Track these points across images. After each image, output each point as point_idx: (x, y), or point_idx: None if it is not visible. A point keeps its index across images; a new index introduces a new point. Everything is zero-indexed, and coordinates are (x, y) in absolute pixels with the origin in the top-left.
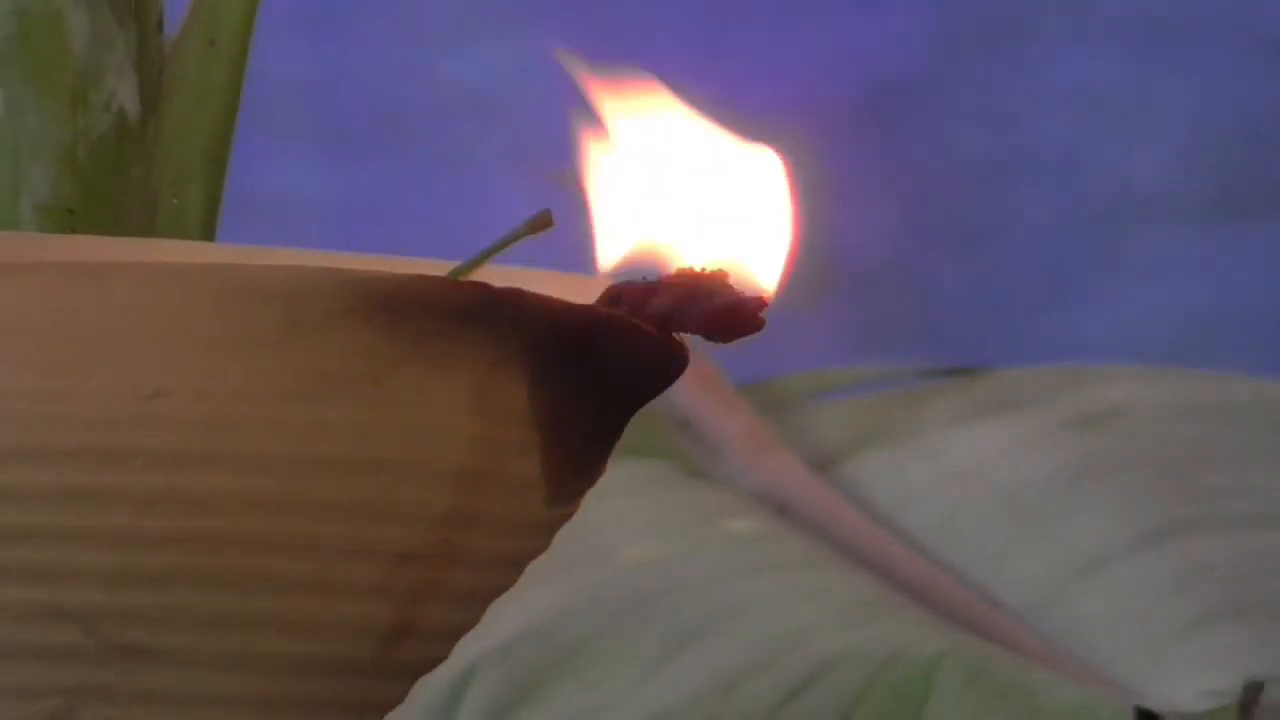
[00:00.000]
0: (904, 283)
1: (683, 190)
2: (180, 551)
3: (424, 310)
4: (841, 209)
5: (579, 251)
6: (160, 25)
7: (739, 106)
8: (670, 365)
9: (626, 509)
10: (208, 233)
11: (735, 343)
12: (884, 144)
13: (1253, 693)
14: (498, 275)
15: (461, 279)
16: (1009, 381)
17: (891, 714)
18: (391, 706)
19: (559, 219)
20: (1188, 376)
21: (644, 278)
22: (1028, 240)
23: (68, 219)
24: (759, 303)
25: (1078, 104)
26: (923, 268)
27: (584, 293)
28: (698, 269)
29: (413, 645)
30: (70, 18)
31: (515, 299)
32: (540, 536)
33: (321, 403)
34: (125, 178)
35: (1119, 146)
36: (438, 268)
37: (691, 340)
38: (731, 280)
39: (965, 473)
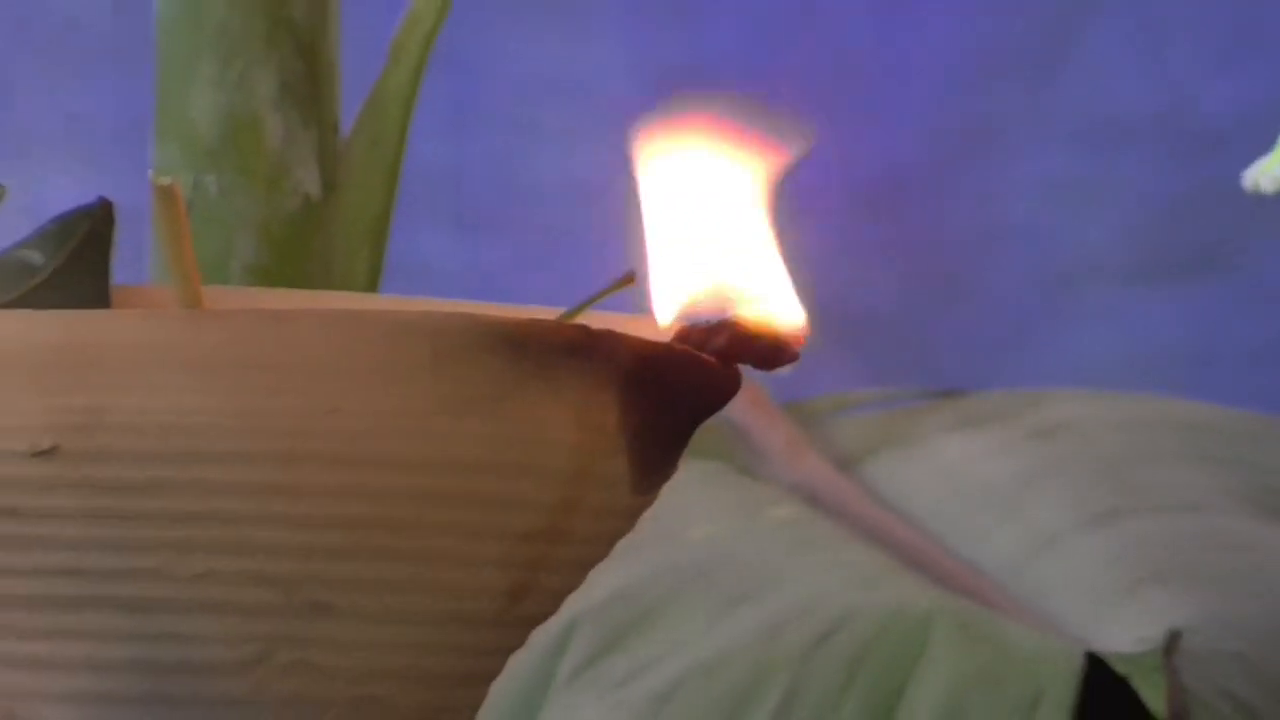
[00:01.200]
0: (905, 329)
1: (729, 256)
2: (352, 532)
3: (538, 346)
4: (857, 272)
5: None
6: (336, 128)
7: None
8: (727, 389)
9: (692, 499)
10: (372, 288)
11: (775, 372)
12: (890, 221)
13: (1174, 640)
14: (595, 319)
15: (568, 321)
16: (985, 402)
17: (896, 656)
18: (513, 650)
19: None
20: (1117, 398)
21: (706, 321)
22: (1002, 296)
23: (266, 277)
24: (795, 343)
25: (1042, 188)
26: (920, 317)
27: (661, 332)
28: (747, 316)
29: (529, 603)
30: (268, 122)
31: (609, 338)
32: (627, 520)
33: (459, 417)
34: (309, 246)
35: (1075, 222)
36: (548, 313)
37: (743, 370)
38: (772, 325)
39: (952, 471)
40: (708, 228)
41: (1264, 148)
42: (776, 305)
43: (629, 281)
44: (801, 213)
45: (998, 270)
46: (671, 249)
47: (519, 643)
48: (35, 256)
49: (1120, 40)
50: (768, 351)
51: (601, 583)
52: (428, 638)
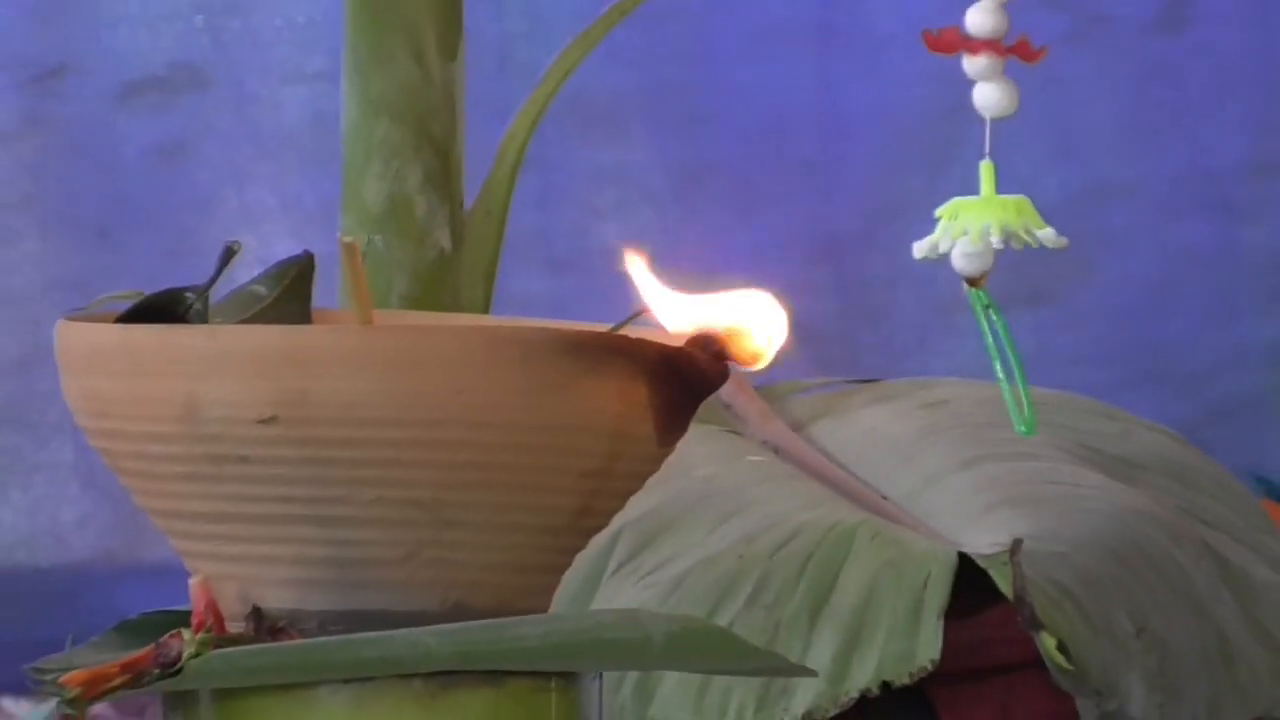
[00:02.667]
0: (840, 339)
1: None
2: (471, 471)
3: (593, 348)
4: (806, 301)
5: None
6: (461, 204)
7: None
8: (719, 377)
9: (696, 450)
10: (485, 311)
11: (753, 369)
12: (829, 266)
13: (1017, 545)
14: (632, 331)
15: (614, 333)
16: (891, 386)
17: (832, 555)
18: (578, 550)
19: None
20: (979, 383)
21: (706, 332)
22: (905, 318)
23: (415, 304)
24: (766, 351)
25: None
26: (849, 332)
27: (677, 340)
28: (735, 330)
29: (589, 519)
30: (416, 201)
31: (640, 343)
32: (653, 464)
33: (541, 395)
34: (443, 283)
35: (952, 268)
36: (602, 328)
37: (730, 364)
38: (751, 337)
39: (869, 432)
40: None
41: (1070, 223)
42: (757, 325)
43: (644, 311)
44: (768, 260)
45: (903, 301)
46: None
47: (582, 546)
48: (261, 289)
49: (977, 135)
50: (746, 356)
51: (637, 505)
52: (522, 541)
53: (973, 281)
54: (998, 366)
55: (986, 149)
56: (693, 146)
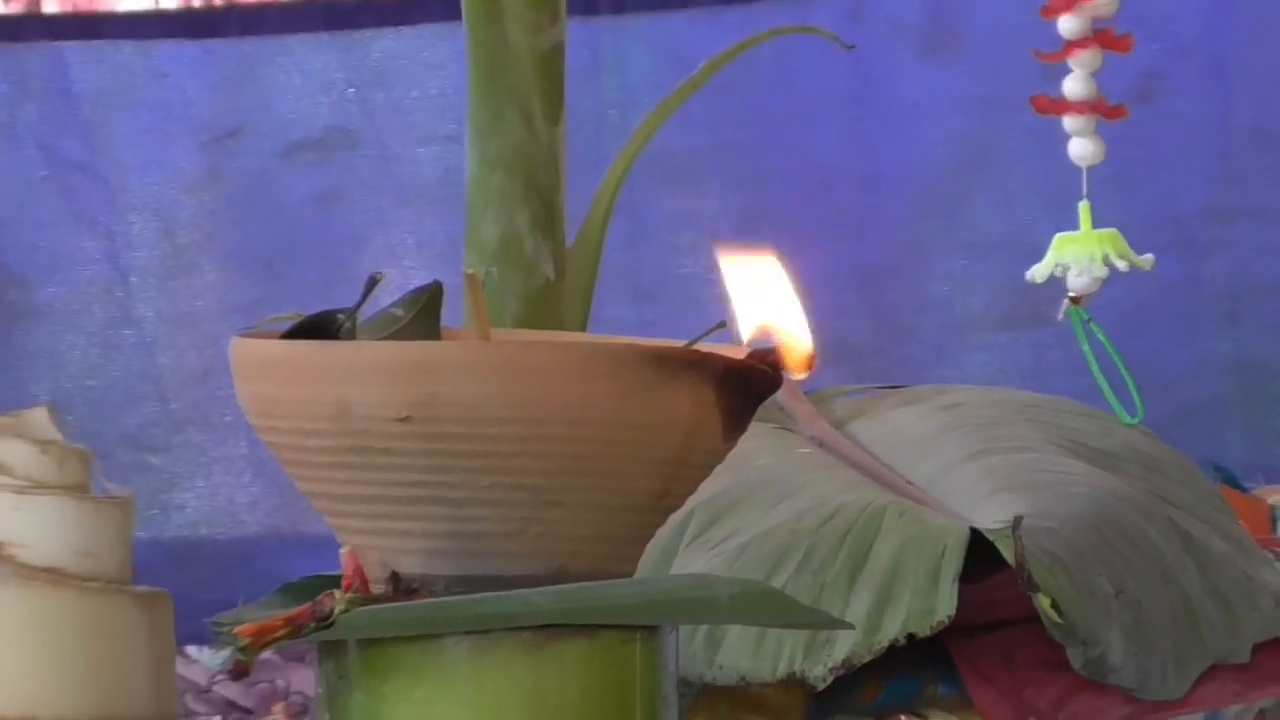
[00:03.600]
0: (873, 354)
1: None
2: (570, 460)
3: (671, 361)
4: (845, 324)
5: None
6: (563, 241)
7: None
8: (774, 384)
9: (756, 443)
10: (582, 330)
11: (801, 377)
12: (865, 294)
13: (1018, 521)
14: (705, 347)
15: (687, 347)
16: (914, 391)
17: (866, 529)
18: (658, 526)
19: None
20: (987, 389)
21: (765, 347)
22: (928, 337)
23: (524, 324)
24: (810, 362)
25: (949, 279)
26: (881, 347)
27: (740, 353)
28: (787, 343)
29: (667, 500)
30: (525, 239)
31: (710, 356)
32: (719, 455)
33: (626, 399)
34: (548, 308)
35: (966, 297)
36: (677, 344)
37: (785, 374)
38: (800, 351)
39: (897, 429)
40: (765, 299)
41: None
42: (800, 342)
43: (720, 327)
44: (814, 289)
45: (925, 323)
46: (747, 311)
47: (662, 522)
48: (399, 312)
49: (987, 188)
50: (796, 366)
51: (706, 489)
52: (612, 518)
53: (1075, 300)
54: (1095, 368)
55: (1084, 191)
56: (752, 196)
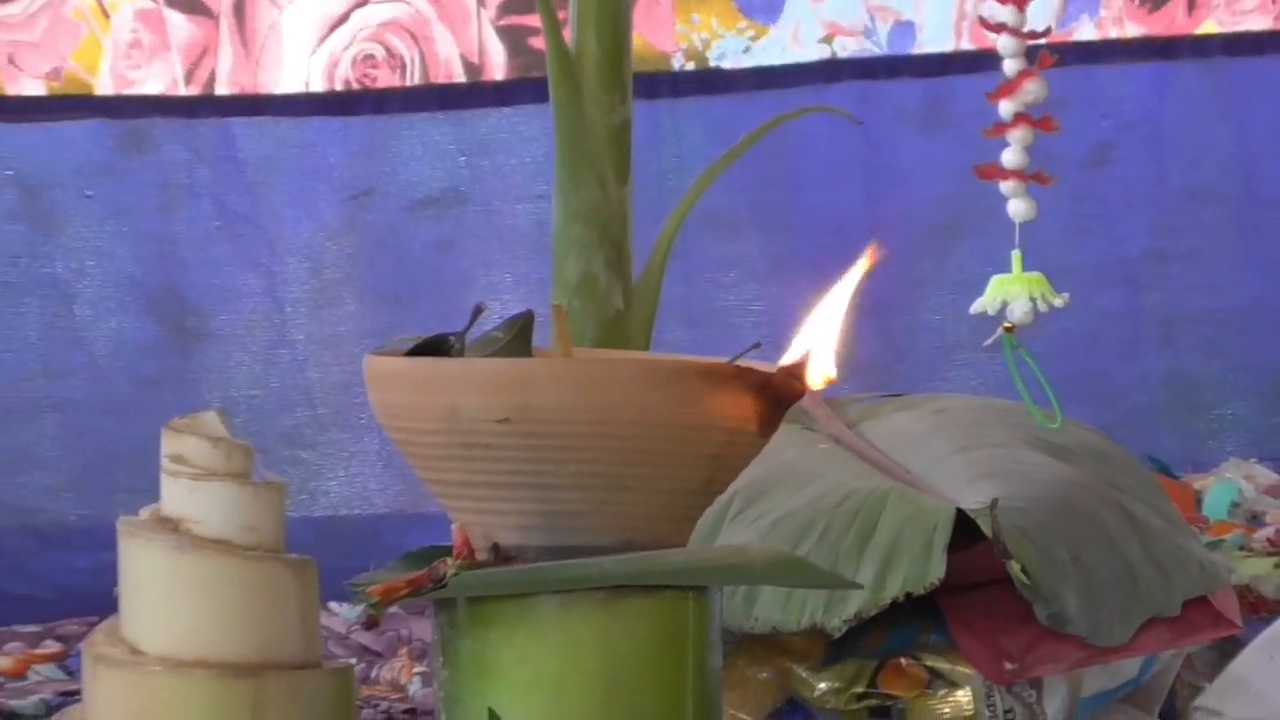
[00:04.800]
0: (879, 371)
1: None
2: (636, 452)
3: (718, 374)
4: (856, 349)
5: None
6: (630, 278)
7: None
8: (800, 392)
9: (784, 440)
10: (646, 350)
11: (821, 388)
12: (874, 320)
13: (995, 502)
14: (743, 363)
15: (730, 364)
16: (910, 399)
17: (872, 509)
18: (706, 507)
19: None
20: (970, 398)
21: (794, 364)
22: (922, 358)
23: (599, 345)
24: (828, 378)
25: (941, 309)
26: (886, 365)
27: (771, 368)
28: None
29: (714, 485)
30: (600, 277)
31: (749, 370)
32: (756, 450)
33: (681, 405)
34: (618, 333)
35: (953, 323)
36: (722, 361)
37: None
38: (821, 368)
39: (897, 428)
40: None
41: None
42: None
43: (756, 347)
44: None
45: (920, 345)
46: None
47: (709, 504)
48: (499, 335)
49: (970, 236)
50: (816, 379)
51: (745, 476)
52: (669, 500)
53: (1009, 329)
54: (1020, 385)
55: (1016, 242)
56: (782, 242)
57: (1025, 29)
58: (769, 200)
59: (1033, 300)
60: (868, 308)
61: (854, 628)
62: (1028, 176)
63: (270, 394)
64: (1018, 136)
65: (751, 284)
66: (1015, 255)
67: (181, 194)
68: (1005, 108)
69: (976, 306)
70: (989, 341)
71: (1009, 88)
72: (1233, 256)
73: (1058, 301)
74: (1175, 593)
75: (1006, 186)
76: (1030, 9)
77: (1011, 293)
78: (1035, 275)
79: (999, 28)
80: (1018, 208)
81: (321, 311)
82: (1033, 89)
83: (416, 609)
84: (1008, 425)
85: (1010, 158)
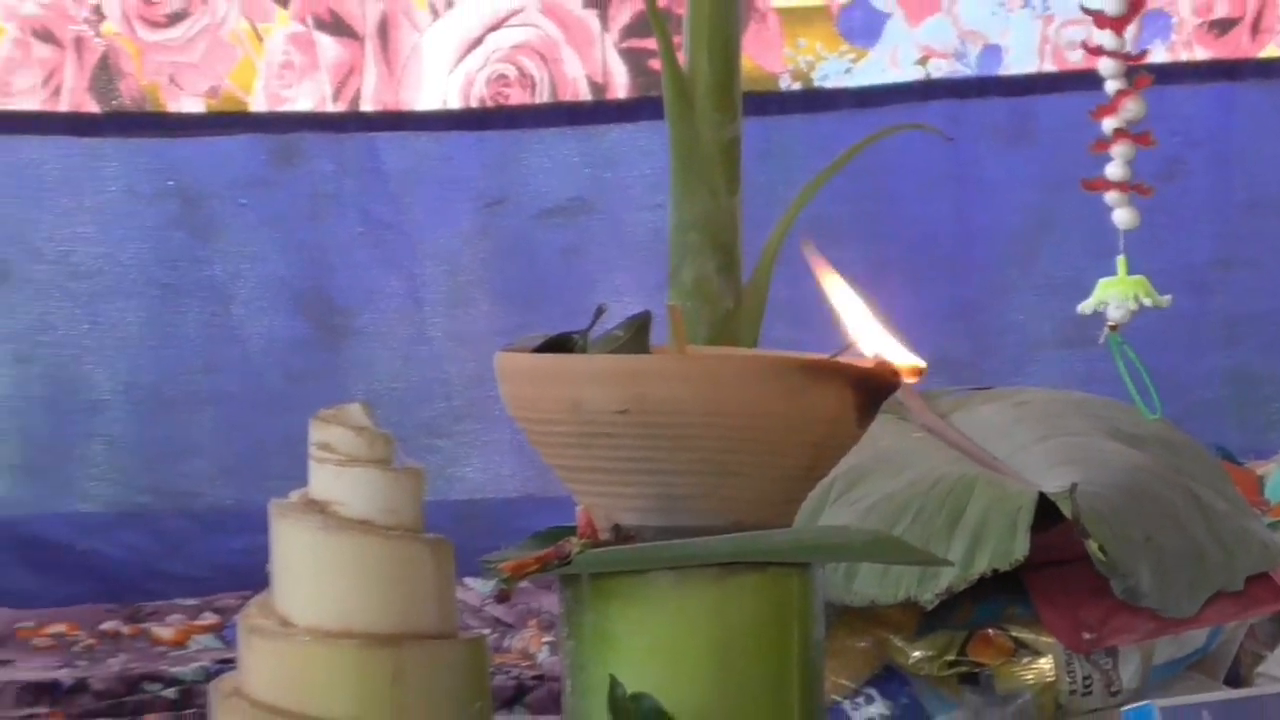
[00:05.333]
0: (968, 367)
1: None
2: (744, 442)
3: (819, 369)
4: (947, 343)
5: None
6: (740, 280)
7: (904, 315)
8: (894, 385)
9: (881, 429)
10: (754, 348)
11: (914, 381)
12: (961, 323)
13: (1074, 487)
14: (844, 359)
15: (831, 359)
16: (997, 392)
17: (961, 493)
18: (809, 491)
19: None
20: (1052, 390)
21: (888, 358)
22: (1009, 355)
23: (711, 343)
24: (920, 372)
25: (1024, 310)
26: (973, 362)
27: (869, 363)
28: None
29: (816, 471)
30: (712, 280)
31: (849, 365)
32: (855, 438)
33: (786, 397)
34: (728, 331)
35: (1036, 323)
36: (824, 356)
37: (902, 379)
38: (913, 364)
39: (984, 419)
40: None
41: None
42: (913, 359)
43: (851, 346)
44: (928, 319)
45: (1006, 342)
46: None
47: (812, 488)
48: (619, 333)
49: (1051, 244)
50: (911, 374)
51: (845, 463)
52: (775, 485)
53: (1113, 327)
54: (1126, 378)
55: (1121, 247)
56: (878, 249)
57: (1127, 52)
58: (867, 210)
59: (1137, 301)
60: (958, 310)
61: (945, 601)
62: (1130, 187)
63: (410, 387)
64: (1120, 151)
65: (851, 287)
66: (1120, 260)
67: (329, 203)
68: (1108, 124)
69: (1083, 307)
70: (1102, 339)
71: (1110, 107)
72: None
73: (1163, 301)
74: (1239, 569)
75: (1111, 197)
76: (1129, 32)
77: (1116, 294)
78: (1139, 278)
79: (1098, 50)
80: (1122, 216)
81: (457, 311)
82: (1132, 107)
83: (544, 584)
84: (1085, 416)
85: (1114, 170)
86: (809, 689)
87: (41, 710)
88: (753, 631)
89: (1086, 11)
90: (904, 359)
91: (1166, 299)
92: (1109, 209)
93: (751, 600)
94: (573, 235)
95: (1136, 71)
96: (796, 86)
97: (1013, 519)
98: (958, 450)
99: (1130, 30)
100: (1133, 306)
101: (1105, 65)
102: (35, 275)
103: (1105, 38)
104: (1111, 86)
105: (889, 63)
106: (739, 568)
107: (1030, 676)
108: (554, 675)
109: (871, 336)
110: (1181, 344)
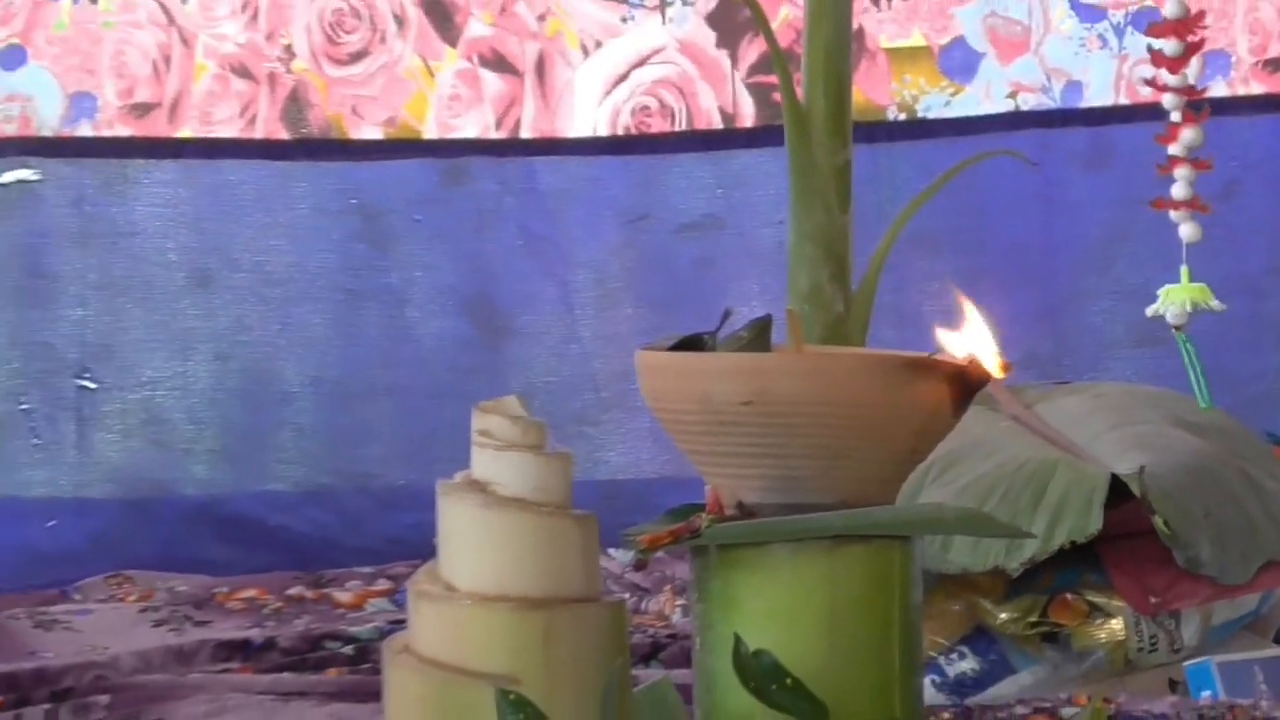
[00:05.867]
0: (1051, 364)
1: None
2: (853, 428)
3: (919, 365)
4: (1033, 347)
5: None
6: (849, 288)
7: (998, 318)
8: (984, 380)
9: (973, 419)
10: (863, 346)
11: (1003, 377)
12: (1046, 327)
13: (1143, 469)
14: (940, 356)
15: (930, 357)
16: (1076, 386)
17: (1043, 474)
18: (910, 472)
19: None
20: (1126, 385)
21: (977, 358)
22: (1087, 355)
23: (825, 343)
24: (1008, 369)
25: (1102, 316)
26: (1057, 359)
27: (964, 361)
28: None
29: (916, 455)
30: (825, 287)
31: (945, 362)
32: (950, 426)
33: (891, 390)
34: (839, 333)
35: (1111, 324)
36: (924, 355)
37: (992, 375)
38: (1001, 362)
39: (1065, 410)
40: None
41: None
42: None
43: (941, 349)
44: (1018, 322)
45: (1084, 343)
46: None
47: (912, 470)
48: (744, 334)
49: (1126, 255)
50: (998, 370)
51: (941, 448)
52: (880, 468)
53: (1178, 329)
54: (1191, 374)
55: (1184, 258)
56: (973, 260)
57: (1187, 87)
58: (964, 225)
59: (1193, 305)
60: (1043, 313)
61: (1028, 569)
62: (1192, 205)
63: (561, 381)
64: (1183, 174)
65: (948, 295)
66: (1184, 270)
67: (492, 219)
68: (1173, 150)
69: (1151, 310)
70: (1182, 336)
71: (1171, 135)
72: None
73: (1216, 305)
74: None
75: (1177, 214)
76: (1189, 69)
77: (1176, 299)
78: (1199, 285)
79: (1163, 87)
80: (1186, 231)
81: (604, 314)
82: (1189, 135)
83: (677, 554)
84: (1152, 407)
85: (1179, 190)
86: (909, 647)
87: (234, 665)
88: (859, 596)
89: (1150, 52)
90: (994, 357)
91: (1218, 304)
92: (1175, 225)
93: (859, 569)
94: (705, 247)
95: (1197, 105)
96: (901, 117)
97: (1088, 497)
98: (1041, 437)
99: (1191, 67)
100: (1189, 309)
101: (1167, 99)
102: (234, 282)
103: (1166, 75)
104: (1173, 118)
105: (983, 96)
106: (848, 540)
107: (1103, 635)
108: (685, 634)
109: (969, 337)
110: (1240, 343)
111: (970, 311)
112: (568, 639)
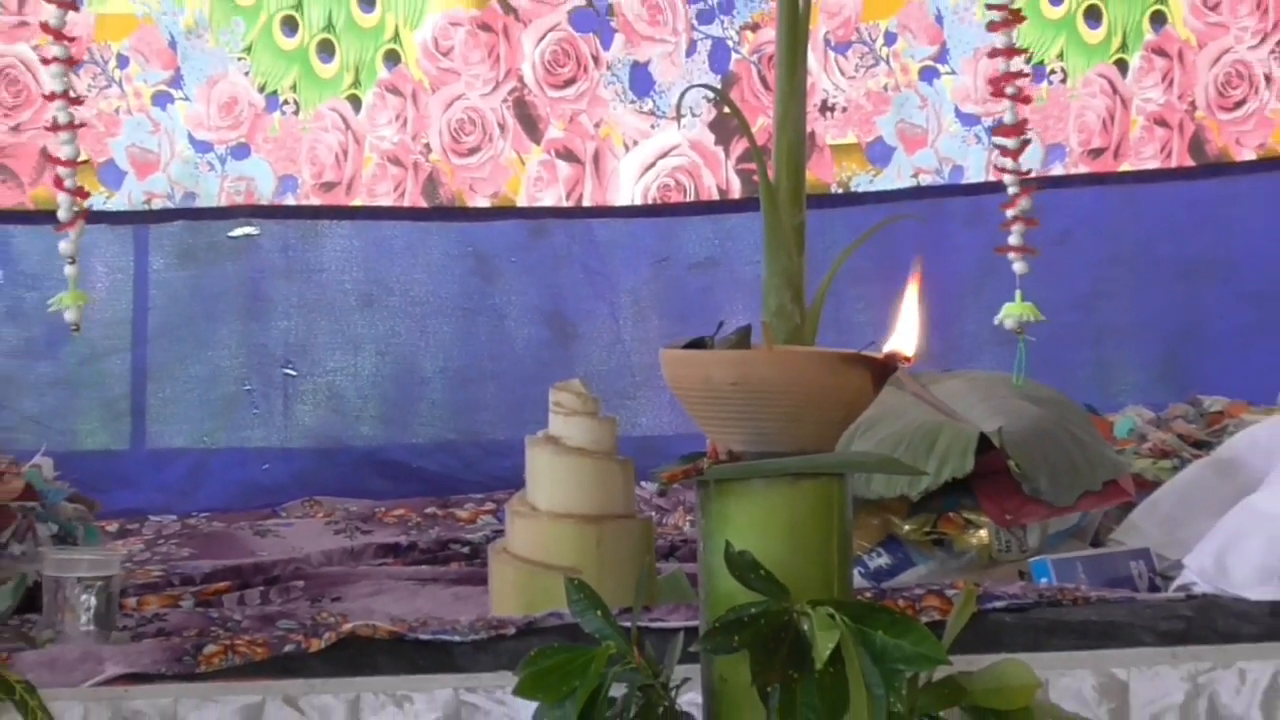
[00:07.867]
0: (942, 358)
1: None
2: (805, 402)
3: (851, 360)
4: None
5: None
6: (804, 307)
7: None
8: (896, 368)
9: (886, 396)
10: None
11: (909, 365)
12: (944, 333)
13: (1000, 429)
14: (867, 353)
15: (859, 353)
16: (957, 374)
17: (932, 433)
18: (844, 432)
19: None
20: (987, 373)
21: (891, 352)
22: (965, 352)
23: (787, 344)
24: (913, 360)
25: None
26: (943, 352)
27: (881, 355)
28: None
29: (848, 421)
30: (789, 307)
31: (869, 357)
32: (870, 401)
33: (831, 376)
34: (796, 336)
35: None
36: (854, 351)
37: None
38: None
39: (951, 390)
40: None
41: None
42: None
43: (871, 344)
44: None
45: (965, 344)
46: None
47: (845, 429)
48: (733, 337)
49: (993, 295)
50: (905, 361)
51: (865, 415)
52: (825, 429)
53: (1018, 332)
54: (1017, 362)
55: (1017, 284)
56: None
57: (1020, 170)
58: (881, 265)
59: (1025, 318)
60: (935, 323)
61: (924, 496)
62: (1022, 249)
63: (610, 370)
64: (1017, 229)
65: (870, 310)
66: (1018, 293)
67: (564, 260)
68: (1010, 212)
69: (996, 320)
70: (1023, 337)
71: (1012, 203)
72: None
73: (1041, 319)
74: (1098, 477)
75: (1013, 255)
76: (1022, 158)
77: (1013, 313)
78: (1029, 304)
79: (1004, 170)
80: (1019, 267)
81: (639, 324)
82: (1024, 203)
83: (688, 486)
84: (1007, 387)
85: (1014, 239)
86: (844, 549)
87: (389, 560)
88: (811, 516)
89: (998, 147)
90: (904, 351)
91: (1044, 317)
92: (1012, 263)
93: (810, 496)
94: (707, 280)
95: (1027, 182)
96: (839, 191)
97: (965, 448)
98: (932, 407)
99: (1033, 157)
100: (1022, 320)
101: (1007, 179)
102: (389, 303)
103: (1008, 162)
104: (1010, 191)
105: (895, 176)
106: (803, 477)
107: (974, 541)
108: (693, 540)
109: (896, 337)
110: (1070, 343)
111: (912, 293)
112: (613, 543)
